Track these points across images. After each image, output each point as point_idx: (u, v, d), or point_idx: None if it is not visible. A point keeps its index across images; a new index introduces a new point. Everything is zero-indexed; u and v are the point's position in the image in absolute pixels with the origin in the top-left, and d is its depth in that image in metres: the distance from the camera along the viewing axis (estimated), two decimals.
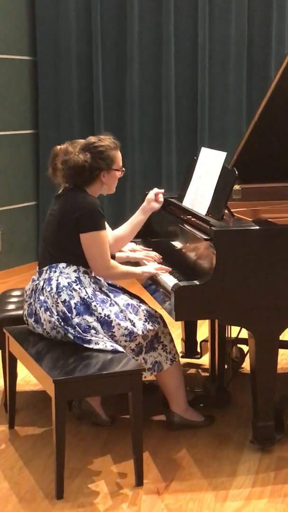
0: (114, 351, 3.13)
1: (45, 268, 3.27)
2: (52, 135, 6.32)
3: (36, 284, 3.29)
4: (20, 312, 3.58)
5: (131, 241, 3.91)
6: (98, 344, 3.15)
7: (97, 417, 3.46)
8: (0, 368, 3.79)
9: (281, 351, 3.43)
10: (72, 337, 3.17)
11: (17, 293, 3.98)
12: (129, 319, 3.24)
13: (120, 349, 3.16)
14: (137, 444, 2.98)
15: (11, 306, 3.78)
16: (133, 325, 3.24)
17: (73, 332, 3.17)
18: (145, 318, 3.30)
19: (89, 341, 3.15)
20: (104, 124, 6.26)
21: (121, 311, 3.24)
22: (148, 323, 3.30)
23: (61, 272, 3.23)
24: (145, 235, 4.12)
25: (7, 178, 6.20)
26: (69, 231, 3.21)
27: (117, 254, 3.57)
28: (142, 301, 3.46)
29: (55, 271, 3.23)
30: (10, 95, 6.17)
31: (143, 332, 3.26)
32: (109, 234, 3.48)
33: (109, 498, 2.93)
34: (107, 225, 3.39)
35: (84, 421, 3.50)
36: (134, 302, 3.35)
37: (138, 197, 6.14)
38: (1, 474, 3.11)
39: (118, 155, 3.34)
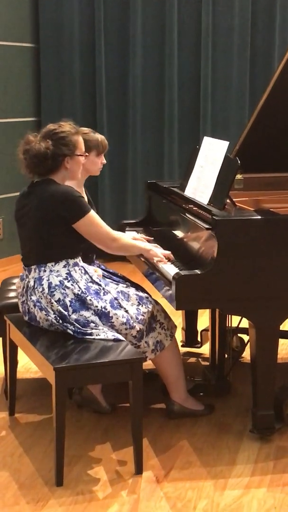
0: (115, 340, 3.13)
1: (33, 267, 3.24)
2: (55, 123, 6.29)
3: (26, 283, 3.27)
4: None
5: (132, 230, 3.92)
6: (99, 335, 3.15)
7: (97, 404, 3.47)
8: (1, 355, 3.80)
9: (281, 341, 3.44)
10: (72, 333, 3.17)
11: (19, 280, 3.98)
12: (122, 307, 3.24)
13: (122, 338, 3.16)
14: (137, 432, 2.98)
15: (12, 294, 3.78)
16: (127, 312, 3.24)
17: (73, 328, 3.17)
18: (138, 302, 3.31)
19: (90, 334, 3.16)
20: (106, 112, 6.25)
21: (115, 299, 3.25)
22: (142, 306, 3.30)
23: (51, 271, 3.20)
24: (147, 224, 4.12)
25: (9, 166, 6.18)
26: (54, 227, 3.16)
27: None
28: (128, 284, 3.47)
29: (44, 270, 3.21)
30: (12, 82, 6.15)
31: (137, 318, 3.26)
32: None
33: (108, 486, 2.94)
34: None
35: (85, 408, 3.51)
36: (124, 288, 3.35)
37: (139, 186, 6.14)
38: (1, 461, 3.12)
39: (80, 140, 3.30)
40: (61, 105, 6.35)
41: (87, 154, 3.35)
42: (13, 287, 3.88)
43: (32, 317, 3.25)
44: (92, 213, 3.20)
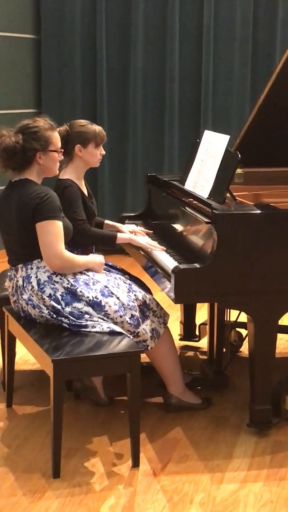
0: (112, 332, 3.13)
1: (19, 266, 3.23)
2: (55, 115, 6.24)
3: (15, 282, 3.26)
4: None
5: (132, 223, 3.91)
6: (95, 327, 3.15)
7: (96, 395, 3.47)
8: None
9: (279, 336, 3.44)
10: (67, 326, 3.16)
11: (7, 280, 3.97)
12: (114, 294, 3.24)
13: (118, 329, 3.16)
14: (134, 425, 2.99)
15: None
16: (118, 298, 3.24)
17: (68, 321, 3.16)
18: (128, 289, 3.31)
19: (86, 326, 3.15)
20: (107, 104, 6.24)
21: (105, 287, 3.24)
22: (131, 293, 3.30)
23: (38, 268, 3.19)
24: (146, 217, 4.11)
25: None
26: (31, 227, 3.13)
27: (119, 236, 3.55)
28: (118, 272, 3.48)
29: (31, 268, 3.20)
30: (13, 73, 6.14)
31: (129, 304, 3.25)
32: None
33: (105, 478, 2.94)
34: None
35: (83, 398, 3.51)
36: (112, 276, 3.35)
37: (140, 179, 6.13)
38: None
39: (55, 135, 3.23)
40: (61, 96, 6.34)
41: (62, 150, 3.27)
42: None
43: (27, 315, 3.25)
44: (55, 223, 3.11)
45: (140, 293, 3.33)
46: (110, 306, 3.20)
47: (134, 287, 3.35)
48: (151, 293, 3.44)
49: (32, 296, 3.19)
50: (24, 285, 3.20)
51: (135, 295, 3.30)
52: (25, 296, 3.21)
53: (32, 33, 6.29)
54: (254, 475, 2.98)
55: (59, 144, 3.25)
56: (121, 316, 3.21)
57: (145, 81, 6.24)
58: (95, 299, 3.19)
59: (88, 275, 3.26)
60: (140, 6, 6.11)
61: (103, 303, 3.19)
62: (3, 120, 6.07)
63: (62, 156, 3.30)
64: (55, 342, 3.05)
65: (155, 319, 3.36)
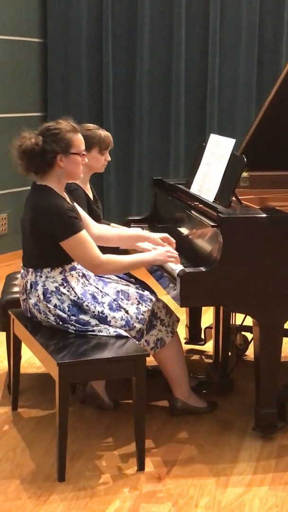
0: (118, 336, 3.13)
1: (30, 269, 3.22)
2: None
3: (25, 282, 3.25)
4: None
5: (137, 226, 3.91)
6: (101, 332, 3.15)
7: (100, 401, 3.47)
8: (5, 350, 3.80)
9: (285, 340, 3.43)
10: (74, 332, 3.16)
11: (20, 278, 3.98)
12: (122, 308, 3.22)
13: (124, 333, 3.16)
14: (140, 429, 2.98)
15: (16, 289, 3.77)
16: (127, 312, 3.22)
17: (74, 328, 3.16)
18: (138, 301, 3.28)
19: (92, 331, 3.15)
20: (113, 108, 6.24)
21: (114, 300, 3.23)
22: (142, 305, 3.28)
23: (47, 277, 3.17)
24: (152, 221, 4.12)
25: (14, 161, 6.18)
26: (43, 239, 3.12)
27: (114, 225, 3.52)
28: (133, 281, 3.44)
29: (40, 276, 3.18)
30: (19, 77, 6.15)
31: (137, 318, 3.24)
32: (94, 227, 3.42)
33: (110, 482, 2.94)
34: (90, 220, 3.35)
35: (87, 404, 3.51)
36: (123, 287, 3.31)
37: (145, 182, 6.13)
38: (4, 456, 3.13)
39: (77, 138, 3.17)
40: (67, 100, 6.35)
41: (84, 153, 3.22)
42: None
43: (33, 316, 3.25)
44: (81, 234, 3.07)
45: (150, 303, 3.31)
46: (116, 321, 3.18)
47: (145, 296, 3.33)
48: (160, 299, 3.41)
49: (39, 302, 3.19)
50: (32, 290, 3.20)
51: (144, 307, 3.29)
52: (32, 301, 3.21)
53: (38, 37, 6.30)
54: (260, 479, 2.98)
55: (82, 147, 3.19)
56: (126, 330, 3.19)
57: (151, 84, 6.24)
58: (101, 314, 3.17)
59: (98, 287, 3.24)
60: (146, 10, 6.12)
61: (109, 318, 3.18)
62: (10, 123, 6.09)
63: (86, 159, 3.24)
64: (61, 345, 3.05)
65: (163, 328, 3.35)
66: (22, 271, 3.30)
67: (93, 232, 3.34)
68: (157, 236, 3.43)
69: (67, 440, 2.92)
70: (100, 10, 6.19)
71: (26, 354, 3.74)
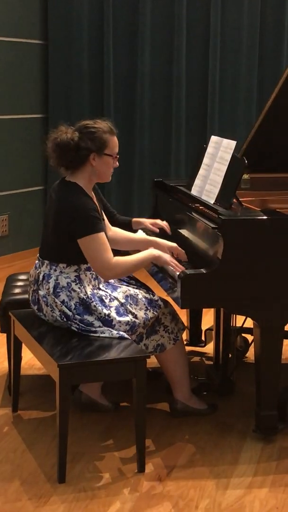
0: (119, 338, 3.13)
1: (46, 261, 3.23)
2: (62, 120, 6.25)
3: (38, 273, 3.27)
4: (26, 296, 3.58)
5: (139, 229, 3.90)
6: (104, 333, 3.15)
7: (99, 406, 3.46)
8: (5, 351, 3.80)
9: (285, 342, 3.43)
10: (76, 330, 3.17)
11: (23, 277, 3.99)
12: (130, 312, 3.23)
13: (126, 336, 3.16)
14: (140, 431, 2.99)
15: (17, 290, 3.79)
16: (135, 317, 3.23)
17: (77, 326, 3.17)
18: (146, 307, 3.29)
19: (95, 332, 3.16)
20: (114, 109, 6.25)
21: (122, 305, 3.23)
22: (149, 311, 3.28)
23: (61, 272, 3.18)
24: None
25: (15, 162, 6.19)
26: (65, 235, 3.13)
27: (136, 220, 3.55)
28: (140, 285, 3.44)
29: (55, 270, 3.19)
30: (20, 78, 6.15)
31: (144, 322, 3.25)
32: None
33: (110, 484, 2.94)
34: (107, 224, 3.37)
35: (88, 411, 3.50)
36: (132, 291, 3.31)
37: (146, 184, 6.14)
38: (4, 457, 3.13)
39: (113, 140, 3.20)
40: (68, 102, 6.35)
41: (117, 156, 3.25)
42: (19, 283, 3.89)
43: (40, 308, 3.25)
44: (100, 235, 3.09)
45: (158, 310, 3.31)
46: (120, 326, 3.18)
47: (154, 302, 3.32)
48: (168, 305, 3.39)
49: (48, 295, 3.19)
50: (43, 282, 3.21)
51: (151, 313, 3.28)
52: (42, 292, 3.21)
53: (39, 38, 6.31)
54: (260, 481, 2.98)
55: (116, 149, 3.22)
56: (128, 335, 3.19)
57: (152, 86, 6.24)
58: (106, 317, 3.17)
59: (106, 292, 3.24)
60: (148, 12, 6.12)
61: (114, 322, 3.18)
62: (11, 125, 6.10)
63: (117, 164, 3.25)
64: (61, 347, 3.05)
65: (166, 334, 3.35)
66: (37, 261, 3.31)
67: (108, 233, 3.35)
68: (167, 244, 3.39)
69: (68, 441, 2.92)
70: (101, 12, 6.19)
71: (27, 355, 3.74)
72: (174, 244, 3.40)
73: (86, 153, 3.16)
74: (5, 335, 3.68)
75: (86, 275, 3.20)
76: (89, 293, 3.18)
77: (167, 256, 3.27)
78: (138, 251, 3.34)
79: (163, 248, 3.35)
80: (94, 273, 3.23)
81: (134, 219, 3.74)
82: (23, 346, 3.42)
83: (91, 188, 3.25)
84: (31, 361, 3.99)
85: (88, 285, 3.20)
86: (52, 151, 3.18)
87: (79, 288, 3.17)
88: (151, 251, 3.27)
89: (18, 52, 6.11)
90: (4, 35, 5.96)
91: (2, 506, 2.78)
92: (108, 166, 3.21)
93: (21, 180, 6.31)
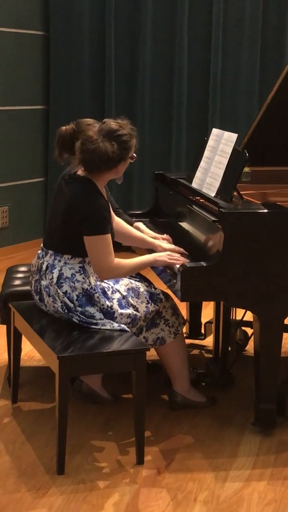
0: (119, 331, 3.13)
1: (50, 251, 3.23)
2: (63, 112, 6.30)
3: (41, 263, 3.27)
4: (26, 288, 3.59)
5: (138, 220, 3.90)
6: (105, 325, 3.15)
7: (99, 397, 3.47)
8: (5, 343, 3.81)
9: (285, 335, 3.43)
10: (77, 322, 3.17)
11: (24, 268, 3.99)
12: (132, 305, 3.23)
13: (127, 328, 3.16)
14: (139, 423, 2.99)
15: (17, 282, 3.79)
16: (136, 310, 3.23)
17: (78, 318, 3.17)
18: (147, 300, 3.29)
19: (96, 324, 3.16)
20: (115, 102, 6.24)
21: (123, 298, 3.23)
22: (150, 304, 3.29)
23: (65, 263, 3.18)
24: (153, 215, 4.11)
25: (16, 154, 6.19)
26: (74, 229, 3.13)
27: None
28: (141, 279, 3.45)
29: (59, 260, 3.19)
30: (21, 70, 6.14)
31: (145, 316, 3.26)
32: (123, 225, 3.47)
33: (109, 475, 2.94)
34: (120, 220, 3.37)
35: (87, 402, 3.51)
36: (134, 284, 3.32)
37: (147, 177, 6.13)
38: (3, 448, 3.13)
39: (134, 142, 3.21)
40: (69, 94, 6.34)
41: (135, 156, 3.25)
42: (19, 275, 3.89)
43: (41, 298, 3.25)
44: (106, 237, 3.10)
45: (159, 304, 3.32)
46: (121, 319, 3.19)
47: (155, 295, 3.33)
48: (170, 298, 3.39)
49: (50, 286, 3.19)
50: (47, 272, 3.21)
51: (153, 306, 3.29)
52: (44, 283, 3.21)
53: (41, 29, 6.29)
54: (259, 474, 2.98)
55: (134, 149, 3.22)
56: (128, 328, 3.20)
57: (153, 79, 6.23)
58: (109, 309, 3.18)
59: (109, 284, 3.24)
60: (149, 4, 6.10)
61: (115, 314, 3.18)
62: (11, 116, 6.09)
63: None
64: (61, 339, 3.05)
65: (166, 328, 3.36)
66: (40, 251, 3.31)
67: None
68: (165, 248, 3.42)
69: (67, 433, 2.93)
70: (103, 4, 6.17)
71: (26, 347, 3.74)
72: (172, 246, 3.42)
73: (119, 163, 3.15)
74: (5, 326, 3.68)
75: (90, 266, 3.20)
76: (92, 283, 3.18)
77: (163, 257, 3.27)
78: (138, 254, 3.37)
79: (161, 251, 3.38)
80: None
81: (136, 224, 3.72)
82: (23, 337, 3.42)
83: (104, 186, 3.25)
84: (31, 352, 3.99)
85: (92, 276, 3.20)
86: (89, 160, 3.10)
87: (83, 278, 3.17)
88: (147, 258, 3.28)
89: (20, 43, 6.09)
90: (6, 25, 5.94)
91: (1, 497, 2.79)
92: (127, 165, 3.23)
93: (22, 172, 6.30)
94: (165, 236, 3.59)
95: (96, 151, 3.07)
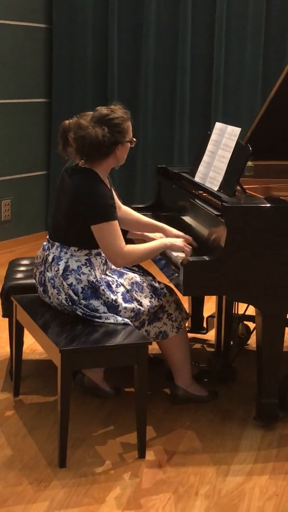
0: (122, 324, 3.13)
1: (57, 243, 3.24)
2: (65, 105, 6.29)
3: (46, 255, 3.27)
4: (29, 281, 3.59)
5: (141, 214, 3.89)
6: (109, 319, 3.15)
7: (101, 391, 3.47)
8: (7, 336, 3.81)
9: (287, 329, 3.43)
10: (81, 315, 3.17)
11: (26, 261, 3.99)
12: (135, 299, 3.23)
13: (130, 322, 3.16)
14: (141, 417, 2.99)
15: (19, 275, 3.79)
16: (140, 304, 3.23)
17: (82, 312, 3.17)
18: (151, 294, 3.29)
19: (100, 317, 3.16)
20: (118, 95, 6.22)
21: (127, 292, 3.23)
22: (154, 299, 3.29)
23: (71, 255, 3.18)
24: (156, 209, 4.11)
25: (18, 147, 6.18)
26: (80, 220, 3.13)
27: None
28: (145, 273, 3.44)
29: (66, 252, 3.19)
30: (24, 63, 6.13)
31: (149, 310, 3.26)
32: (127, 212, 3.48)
33: (111, 469, 2.95)
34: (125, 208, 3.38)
35: (89, 394, 3.51)
36: (138, 278, 3.32)
37: (149, 170, 6.12)
38: (5, 441, 3.13)
39: (130, 125, 3.21)
40: (72, 87, 6.33)
41: (135, 140, 3.24)
42: (21, 268, 3.89)
43: (46, 289, 3.25)
44: (114, 223, 3.10)
45: (162, 299, 3.32)
46: (125, 312, 3.19)
47: (159, 290, 3.33)
48: (173, 293, 3.39)
49: (56, 277, 3.19)
50: (52, 264, 3.21)
51: (156, 301, 3.29)
52: (49, 274, 3.21)
53: (43, 22, 6.28)
54: (260, 468, 2.99)
55: (131, 133, 3.22)
56: (131, 321, 3.20)
57: (156, 72, 6.21)
58: (113, 302, 3.18)
59: (113, 278, 3.24)
60: None
61: (120, 308, 3.18)
62: (14, 109, 6.08)
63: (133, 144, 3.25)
64: (63, 332, 3.05)
65: (169, 322, 3.35)
66: (45, 243, 3.31)
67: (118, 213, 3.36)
68: (174, 233, 3.44)
69: (69, 426, 2.93)
70: None
71: (28, 340, 3.74)
72: (181, 233, 3.44)
73: (114, 148, 3.15)
74: (7, 320, 3.68)
75: (96, 259, 3.20)
76: (98, 276, 3.18)
77: (179, 242, 3.28)
78: (144, 241, 3.37)
79: (171, 235, 3.40)
80: (103, 258, 3.23)
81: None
82: (25, 331, 3.42)
83: (106, 175, 3.25)
84: (33, 346, 3.99)
85: (98, 269, 3.20)
86: (82, 148, 3.11)
87: (89, 271, 3.17)
88: (163, 241, 3.29)
89: (22, 36, 6.08)
90: (9, 18, 5.93)
91: (3, 490, 2.80)
92: (127, 151, 3.23)
93: (24, 165, 6.30)
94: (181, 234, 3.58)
95: (86, 137, 3.09)
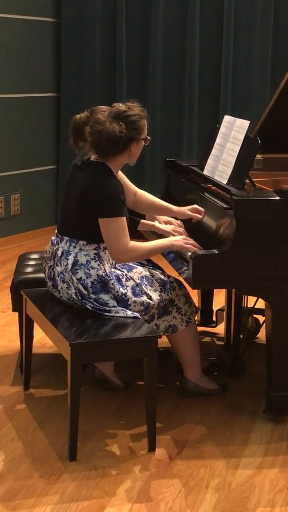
0: (131, 318, 3.14)
1: (66, 238, 3.24)
2: (74, 99, 6.29)
3: (55, 249, 3.28)
4: (38, 275, 3.60)
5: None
6: (118, 313, 3.16)
7: (111, 384, 3.48)
8: (17, 330, 3.82)
9: None
10: (91, 309, 3.17)
11: (35, 256, 4.00)
12: (145, 293, 3.23)
13: (139, 316, 3.17)
14: (151, 410, 3.00)
15: (29, 269, 3.79)
16: (150, 298, 3.24)
17: (92, 306, 3.17)
18: (160, 288, 3.29)
19: (109, 311, 3.16)
20: (126, 89, 6.21)
21: (137, 285, 3.23)
22: (163, 293, 3.29)
23: (80, 249, 3.19)
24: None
25: (27, 141, 6.18)
26: (89, 214, 3.13)
27: (143, 221, 3.53)
28: (154, 266, 3.44)
29: (75, 247, 3.20)
30: (33, 57, 6.13)
31: (158, 304, 3.26)
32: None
33: (121, 462, 2.96)
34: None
35: (99, 387, 3.52)
36: (148, 272, 3.32)
37: (158, 163, 6.12)
38: (16, 435, 3.15)
39: (146, 123, 3.22)
40: (80, 81, 6.33)
41: (149, 138, 3.25)
42: (31, 262, 3.90)
43: (55, 284, 3.26)
44: (121, 219, 3.10)
45: (172, 293, 3.32)
46: (135, 306, 3.20)
47: (168, 284, 3.33)
48: (183, 287, 3.40)
49: (65, 272, 3.20)
50: (62, 258, 3.21)
51: (166, 295, 3.30)
52: (59, 269, 3.22)
53: (52, 16, 6.27)
54: (270, 461, 2.99)
55: (146, 132, 3.23)
56: (141, 315, 3.20)
57: (164, 65, 6.20)
58: (123, 296, 3.18)
59: (123, 271, 3.25)
60: None
61: (129, 302, 3.19)
62: (23, 104, 6.08)
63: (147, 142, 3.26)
64: (73, 326, 3.06)
65: (178, 316, 3.36)
66: (54, 238, 3.31)
67: (131, 198, 3.43)
68: (185, 208, 3.49)
69: (79, 420, 2.94)
70: None
71: (38, 334, 3.75)
72: (193, 206, 3.48)
73: (130, 144, 3.15)
74: (17, 313, 3.69)
75: (105, 253, 3.21)
76: (107, 270, 3.19)
77: (180, 242, 3.26)
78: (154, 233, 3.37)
79: (179, 213, 3.47)
80: None
81: (143, 221, 3.70)
82: (35, 324, 3.43)
83: (119, 171, 3.25)
84: (43, 339, 4.00)
85: (107, 263, 3.21)
86: (98, 143, 3.11)
87: (98, 265, 3.17)
88: (164, 241, 3.28)
89: (31, 30, 6.08)
90: (17, 12, 5.93)
91: (13, 483, 2.81)
92: (141, 148, 3.24)
93: (33, 159, 6.30)
94: (179, 222, 3.58)
95: (103, 132, 3.09)
